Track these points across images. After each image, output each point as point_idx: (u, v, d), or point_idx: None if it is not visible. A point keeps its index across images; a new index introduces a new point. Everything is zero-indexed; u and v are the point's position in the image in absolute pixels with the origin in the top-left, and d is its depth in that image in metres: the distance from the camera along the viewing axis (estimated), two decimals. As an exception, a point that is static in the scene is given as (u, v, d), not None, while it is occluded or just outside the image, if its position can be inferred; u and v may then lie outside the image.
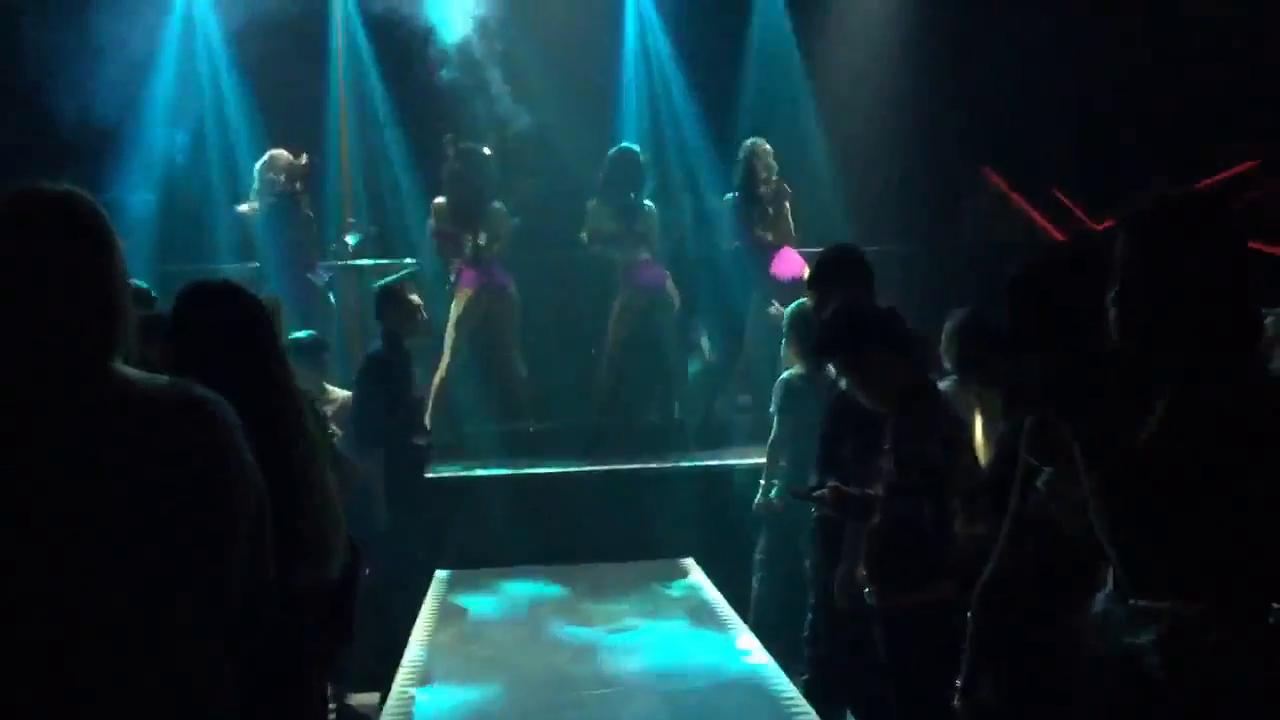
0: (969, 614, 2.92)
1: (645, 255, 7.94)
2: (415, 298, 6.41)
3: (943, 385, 4.64)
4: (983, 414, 4.54)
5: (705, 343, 8.45)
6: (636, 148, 8.19)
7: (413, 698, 4.25)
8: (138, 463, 1.68)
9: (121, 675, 1.67)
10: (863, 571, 3.84)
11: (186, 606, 1.71)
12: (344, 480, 5.15)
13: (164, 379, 1.79)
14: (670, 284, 8.02)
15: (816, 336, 4.02)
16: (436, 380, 7.68)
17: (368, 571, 5.93)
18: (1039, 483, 2.47)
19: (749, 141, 8.15)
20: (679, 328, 8.13)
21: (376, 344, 6.28)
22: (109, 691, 1.66)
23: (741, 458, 7.03)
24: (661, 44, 9.52)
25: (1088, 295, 2.30)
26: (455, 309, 7.77)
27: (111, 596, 1.66)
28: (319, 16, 9.16)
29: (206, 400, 1.78)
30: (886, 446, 3.75)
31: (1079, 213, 8.92)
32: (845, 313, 3.84)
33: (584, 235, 8.06)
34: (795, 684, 4.43)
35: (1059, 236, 8.92)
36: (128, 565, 1.67)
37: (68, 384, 1.71)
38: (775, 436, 5.86)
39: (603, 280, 8.18)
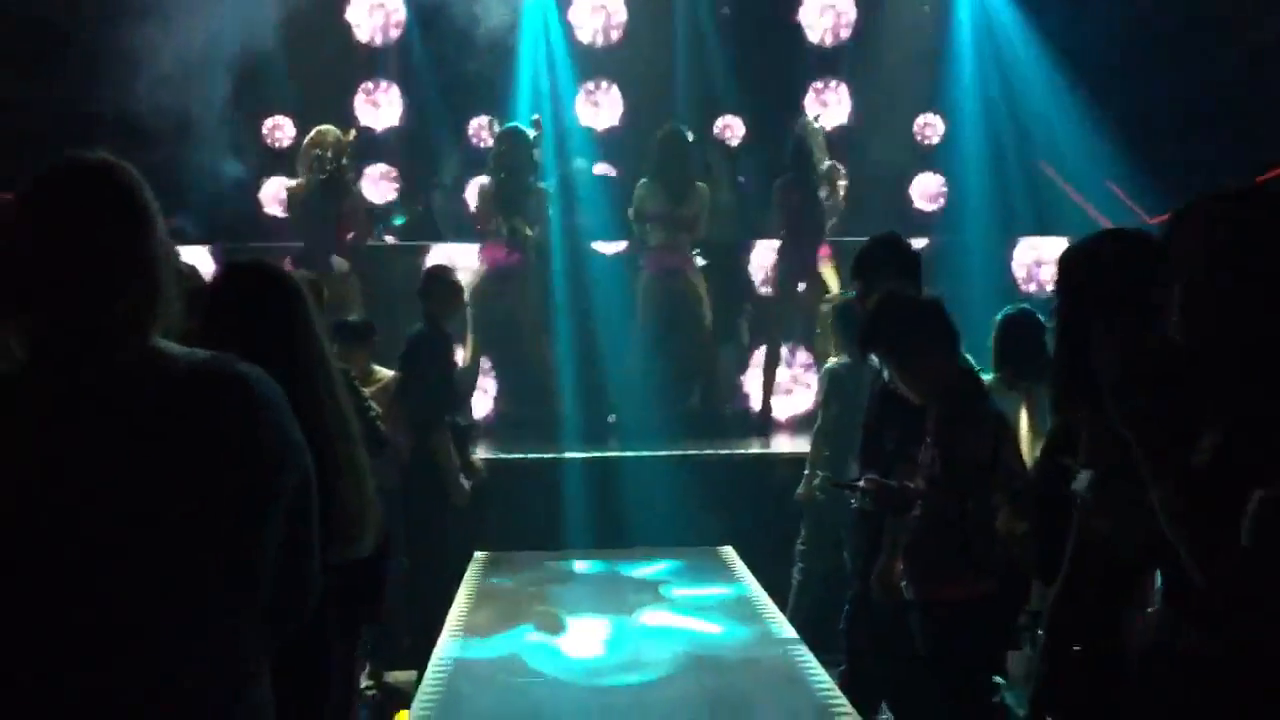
0: (1040, 631, 2.83)
1: (681, 238, 7.89)
2: (458, 280, 6.43)
3: (988, 379, 4.60)
4: (1029, 410, 4.49)
5: (745, 329, 8.38)
6: (685, 128, 8.15)
7: (447, 676, 4.26)
8: (174, 437, 1.67)
9: (157, 650, 1.66)
10: (901, 564, 3.81)
11: (220, 582, 1.70)
12: (385, 463, 5.20)
13: (203, 353, 1.77)
14: (693, 269, 7.96)
15: (860, 327, 3.98)
16: (466, 361, 7.70)
17: (405, 560, 6.07)
18: (1076, 486, 2.39)
19: (801, 119, 8.07)
20: (712, 313, 8.06)
21: (419, 325, 6.29)
22: (144, 667, 1.65)
23: (783, 447, 6.99)
24: (710, 27, 9.47)
25: (1137, 284, 2.23)
26: (478, 291, 7.77)
27: (148, 571, 1.66)
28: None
29: (245, 375, 1.76)
30: (928, 439, 3.71)
31: (1133, 206, 8.78)
32: (889, 303, 3.79)
33: (630, 214, 8.04)
34: (832, 675, 4.40)
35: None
36: (163, 539, 1.66)
37: (104, 356, 1.69)
38: (819, 426, 5.82)
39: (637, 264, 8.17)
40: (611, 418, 8.06)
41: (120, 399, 1.68)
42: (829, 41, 9.57)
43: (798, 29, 9.52)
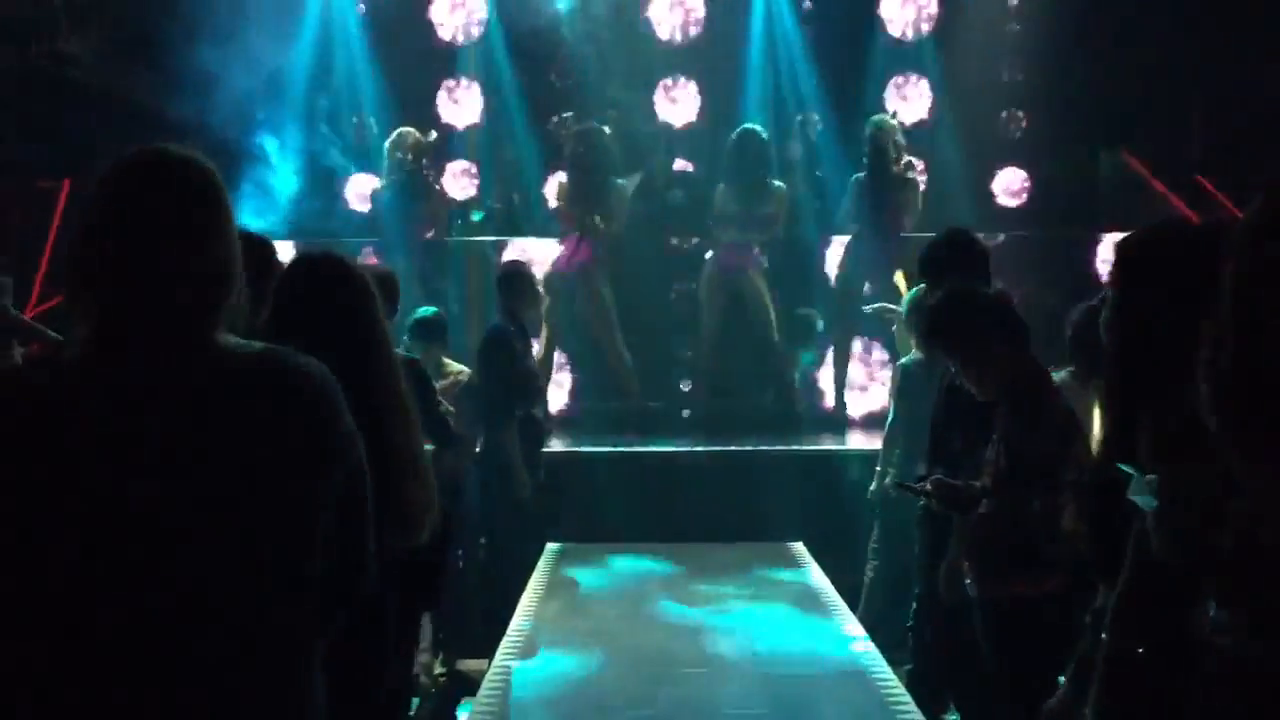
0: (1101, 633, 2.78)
1: (756, 236, 7.89)
2: (533, 275, 6.52)
3: (1061, 376, 4.53)
4: (1101, 409, 4.41)
5: (820, 326, 8.34)
6: (759, 127, 8.13)
7: (514, 667, 4.32)
8: (228, 426, 1.71)
9: (214, 635, 1.70)
10: (966, 561, 3.78)
11: (274, 569, 1.73)
12: (454, 455, 5.28)
13: (259, 346, 1.80)
14: (756, 269, 7.95)
15: (924, 322, 3.95)
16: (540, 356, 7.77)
17: (483, 541, 6.15)
18: (1133, 495, 2.32)
19: (876, 118, 7.98)
20: (782, 311, 8.05)
21: (499, 320, 6.37)
22: (202, 651, 1.69)
23: (857, 444, 6.96)
24: (789, 23, 9.43)
25: (1193, 276, 2.16)
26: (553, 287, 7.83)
27: (203, 562, 1.69)
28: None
29: (300, 368, 1.79)
30: (996, 436, 3.67)
31: (1225, 201, 8.56)
32: (954, 297, 3.76)
33: (711, 220, 8.07)
34: (899, 674, 4.38)
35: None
36: (220, 531, 1.70)
37: (163, 345, 1.73)
38: (890, 423, 5.79)
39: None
40: (686, 413, 8.09)
41: (176, 388, 1.72)
42: (909, 35, 9.47)
43: (878, 22, 9.43)
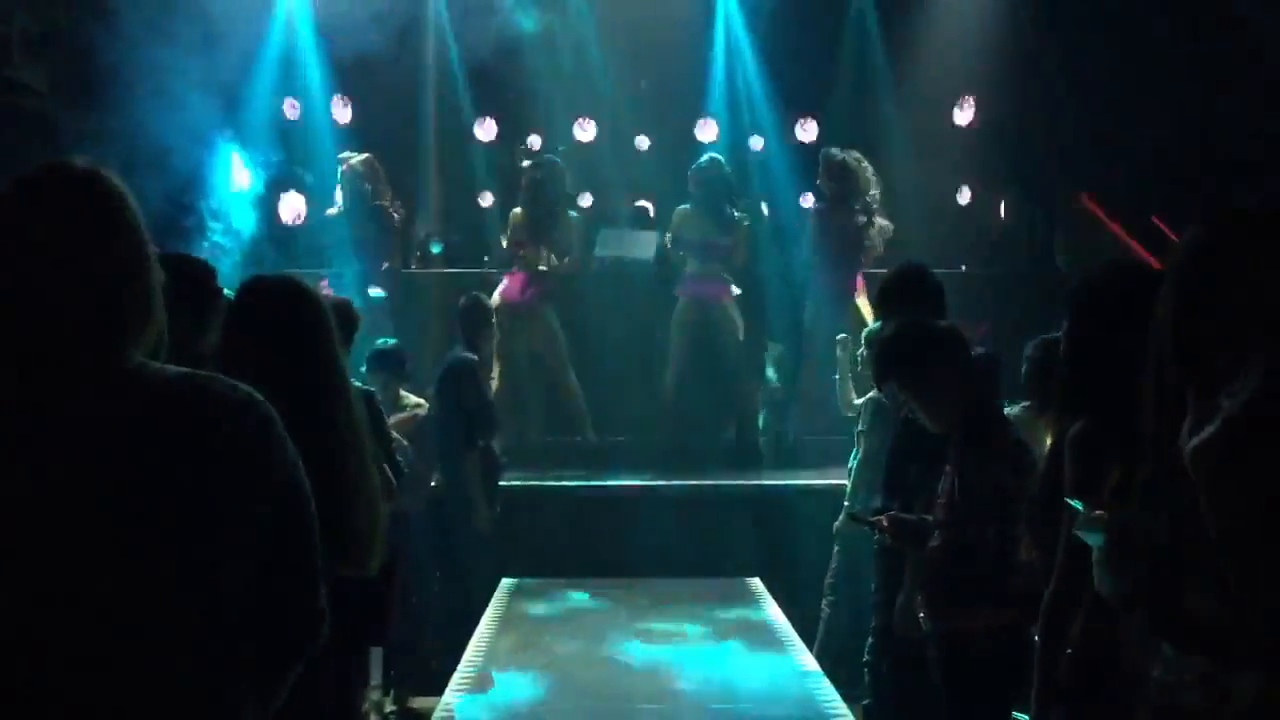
0: (1035, 640, 2.83)
1: (717, 267, 7.89)
2: (490, 307, 6.49)
3: (1015, 410, 4.54)
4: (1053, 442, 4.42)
5: (770, 361, 8.33)
6: (721, 157, 8.16)
7: (465, 703, 4.25)
8: (137, 458, 1.60)
9: (124, 669, 1.59)
10: (920, 595, 3.75)
11: (188, 604, 1.62)
12: (402, 487, 5.21)
13: (178, 371, 1.69)
14: (730, 299, 7.94)
15: (875, 355, 3.95)
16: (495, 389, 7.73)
17: (438, 575, 6.07)
18: (1078, 530, 2.34)
19: (849, 155, 8.00)
20: (747, 345, 8.03)
21: (462, 352, 6.32)
22: (114, 685, 1.59)
23: (811, 479, 6.94)
24: (747, 53, 9.52)
25: (1141, 315, 2.20)
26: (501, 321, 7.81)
27: (107, 604, 1.58)
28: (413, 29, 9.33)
29: (220, 393, 1.68)
30: (948, 469, 3.67)
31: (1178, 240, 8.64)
32: (905, 331, 3.76)
33: (667, 239, 8.05)
34: (856, 709, 4.34)
35: (1157, 266, 8.66)
36: (127, 570, 1.59)
37: (63, 370, 1.63)
38: (860, 457, 5.75)
39: (669, 292, 8.17)
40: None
41: (79, 415, 1.62)
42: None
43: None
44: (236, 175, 8.34)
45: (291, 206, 8.81)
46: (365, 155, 8.07)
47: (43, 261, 1.64)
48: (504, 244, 8.21)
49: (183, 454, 1.62)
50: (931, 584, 3.67)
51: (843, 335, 6.35)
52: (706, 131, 9.48)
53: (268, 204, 8.64)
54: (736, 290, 7.98)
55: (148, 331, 1.70)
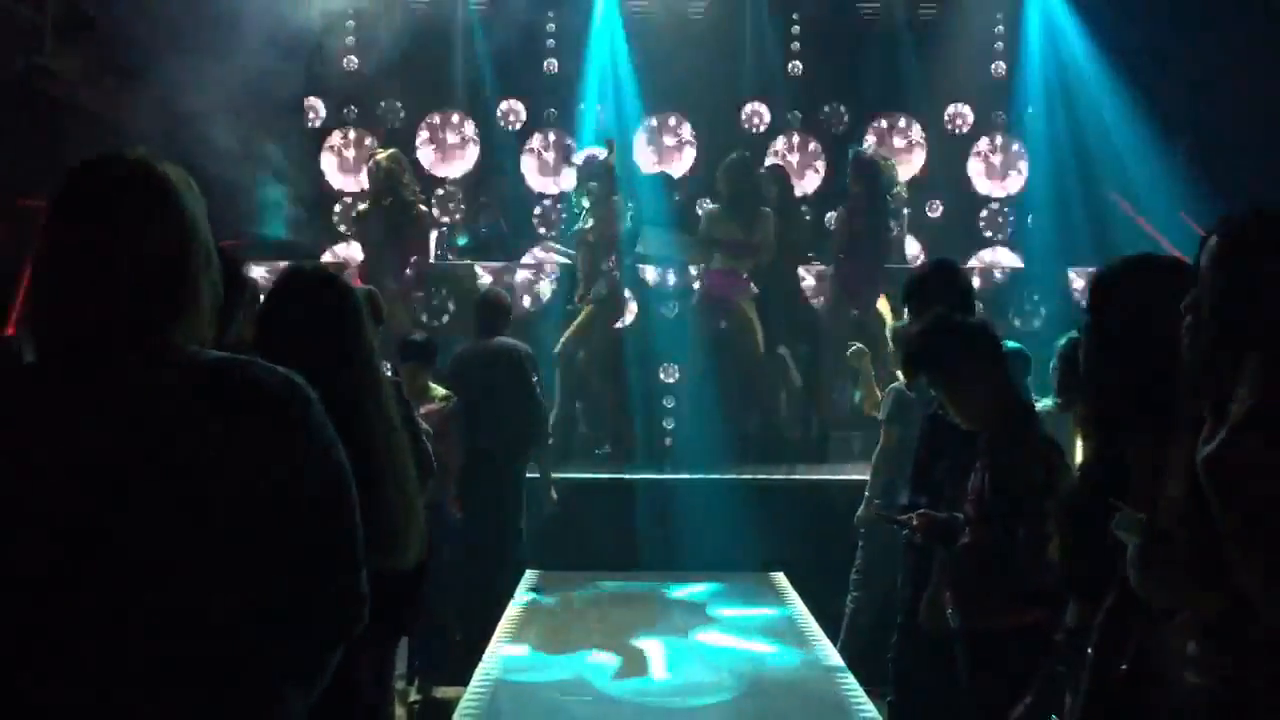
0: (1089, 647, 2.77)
1: (746, 263, 7.87)
2: (509, 301, 6.54)
3: (1045, 404, 4.52)
4: (1084, 439, 4.40)
5: (786, 354, 8.32)
6: (748, 155, 8.16)
7: (488, 694, 4.26)
8: (183, 443, 1.62)
9: (167, 656, 1.61)
10: (948, 592, 3.73)
11: (232, 596, 1.64)
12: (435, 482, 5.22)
13: (218, 356, 1.71)
14: (746, 296, 7.92)
15: (905, 350, 3.93)
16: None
17: (496, 569, 6.09)
18: (1118, 529, 2.32)
19: (877, 154, 8.01)
20: (767, 340, 8.02)
21: (510, 341, 6.39)
22: (157, 670, 1.60)
23: (838, 473, 6.92)
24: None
25: (1160, 311, 2.19)
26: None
27: (157, 579, 1.60)
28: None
29: (260, 376, 1.70)
30: (979, 465, 3.64)
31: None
32: (936, 327, 3.73)
33: (698, 237, 8.05)
34: (879, 705, 4.33)
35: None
36: (171, 551, 1.61)
37: (112, 355, 1.65)
38: (881, 447, 5.75)
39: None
40: (667, 440, 8.04)
41: (125, 399, 1.63)
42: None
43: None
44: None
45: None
46: (392, 150, 8.12)
47: (93, 247, 1.66)
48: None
49: (226, 435, 1.64)
50: (960, 581, 3.64)
51: (856, 346, 6.37)
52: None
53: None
54: (755, 289, 7.98)
55: (196, 318, 1.71)
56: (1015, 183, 9.67)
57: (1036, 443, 3.58)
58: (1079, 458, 4.34)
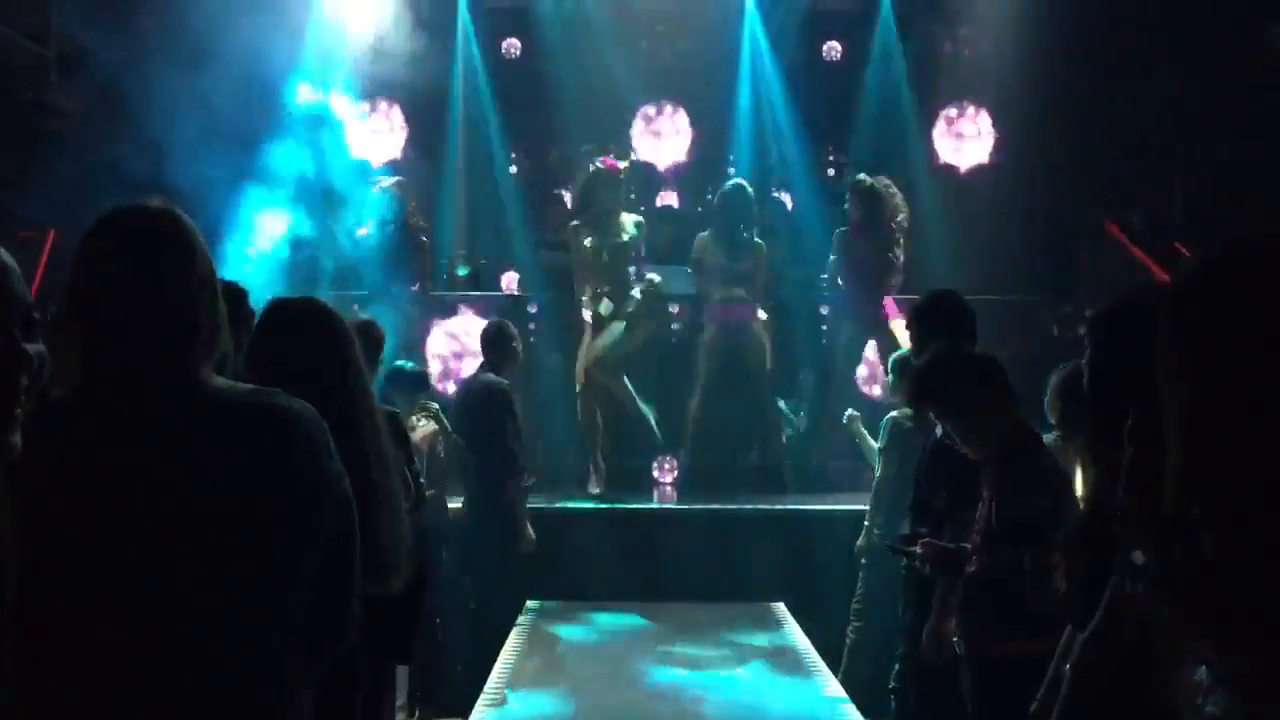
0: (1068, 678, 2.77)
1: (741, 292, 7.89)
2: (515, 332, 6.52)
3: (1048, 438, 4.52)
4: (1084, 467, 4.41)
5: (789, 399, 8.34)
6: (745, 183, 8.20)
7: (490, 725, 4.26)
8: (219, 470, 1.73)
9: (193, 677, 1.71)
10: (953, 621, 3.73)
11: (258, 612, 1.75)
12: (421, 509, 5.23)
13: (247, 387, 1.84)
14: (759, 323, 7.93)
15: (912, 381, 3.94)
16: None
17: (473, 605, 6.07)
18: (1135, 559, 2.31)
19: (878, 181, 8.02)
20: (774, 369, 8.03)
21: (490, 375, 6.35)
22: (182, 694, 1.70)
23: (836, 504, 6.93)
24: (774, 79, 9.58)
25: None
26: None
27: (186, 599, 1.70)
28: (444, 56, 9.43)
29: (289, 408, 1.82)
30: (985, 495, 3.65)
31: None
32: (942, 358, 3.76)
33: (689, 267, 8.08)
34: (881, 736, 4.32)
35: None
36: (203, 569, 1.71)
37: (144, 390, 1.77)
38: (880, 476, 5.75)
39: (696, 315, 8.21)
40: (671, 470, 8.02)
41: (164, 425, 1.75)
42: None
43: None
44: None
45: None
46: (398, 178, 8.17)
47: (129, 291, 1.79)
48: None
49: (255, 462, 1.76)
50: (966, 611, 3.65)
51: (849, 413, 6.47)
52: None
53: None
54: (763, 315, 8.00)
55: (214, 352, 1.84)
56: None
57: (1043, 472, 3.60)
58: (1080, 488, 4.37)
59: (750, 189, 8.14)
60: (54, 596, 1.68)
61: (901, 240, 7.88)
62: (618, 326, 7.61)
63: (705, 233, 8.06)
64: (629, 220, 7.77)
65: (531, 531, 6.23)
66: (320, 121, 8.63)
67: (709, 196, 9.06)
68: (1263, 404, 1.71)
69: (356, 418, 2.63)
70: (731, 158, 9.71)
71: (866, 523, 5.82)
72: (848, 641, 5.83)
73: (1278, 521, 1.70)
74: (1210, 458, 1.76)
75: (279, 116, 8.61)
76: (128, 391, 1.76)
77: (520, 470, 6.19)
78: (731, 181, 8.23)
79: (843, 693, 4.69)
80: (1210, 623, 1.91)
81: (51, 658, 1.68)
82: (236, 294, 3.43)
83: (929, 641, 4.04)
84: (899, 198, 7.92)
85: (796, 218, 9.49)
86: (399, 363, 6.27)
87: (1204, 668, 2.08)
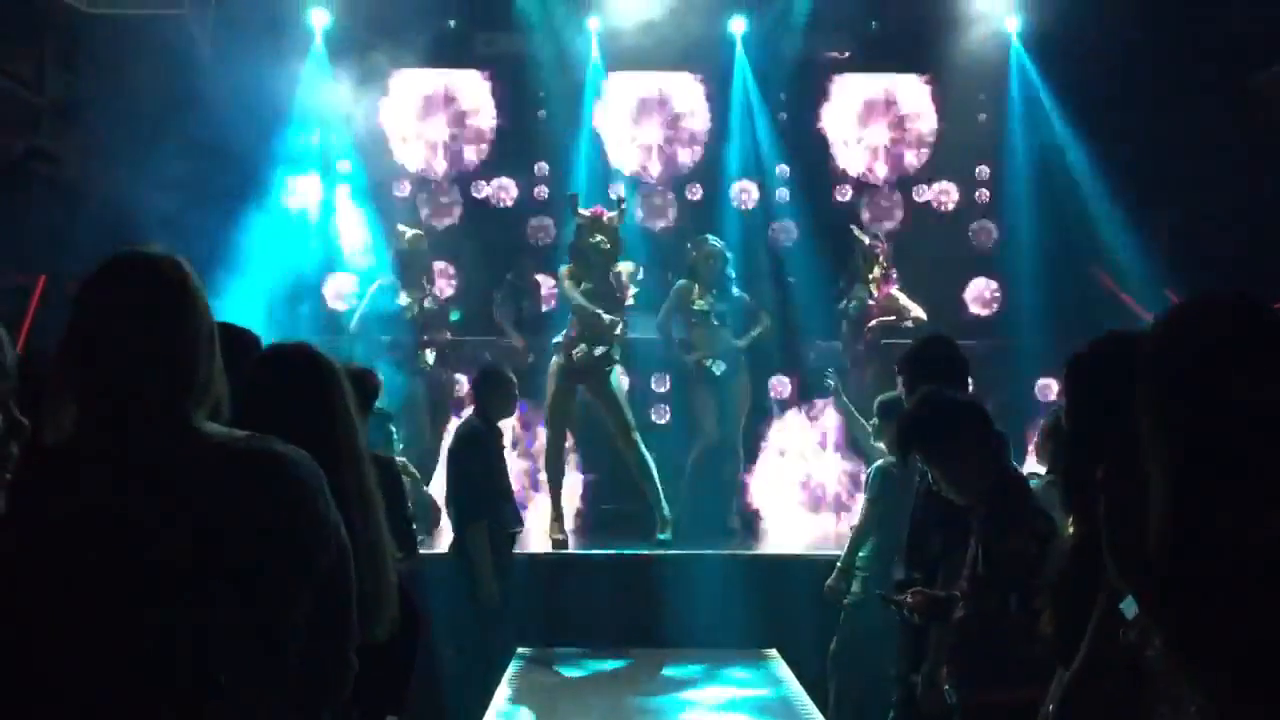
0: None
1: (727, 338, 7.99)
2: (512, 378, 6.47)
3: (1035, 484, 4.53)
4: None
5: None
6: (723, 245, 8.29)
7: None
8: (213, 518, 1.74)
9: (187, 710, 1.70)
10: (946, 668, 3.72)
11: (251, 658, 1.75)
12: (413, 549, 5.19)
13: (242, 434, 1.85)
14: (742, 370, 8.06)
15: (899, 426, 3.95)
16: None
17: (454, 649, 6.01)
18: (1125, 610, 2.31)
19: (866, 233, 8.20)
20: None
21: (471, 419, 6.33)
22: None
23: (832, 549, 6.90)
24: (764, 130, 9.67)
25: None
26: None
27: (185, 644, 1.71)
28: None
29: (285, 455, 1.84)
30: (973, 540, 3.65)
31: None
32: (929, 402, 3.76)
33: (660, 316, 8.19)
34: (874, 785, 4.28)
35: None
36: (203, 614, 1.71)
37: (140, 436, 1.78)
38: (860, 523, 5.75)
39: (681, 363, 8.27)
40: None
41: (160, 471, 1.76)
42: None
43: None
44: None
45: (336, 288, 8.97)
46: (418, 230, 8.35)
47: (127, 335, 1.81)
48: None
49: (253, 508, 1.77)
50: (957, 657, 3.63)
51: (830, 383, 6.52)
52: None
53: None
54: (744, 361, 8.07)
55: (210, 399, 1.86)
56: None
57: (1028, 517, 3.60)
58: (1070, 532, 4.37)
59: (726, 251, 8.22)
60: (42, 645, 1.69)
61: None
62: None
63: (683, 281, 8.21)
64: (623, 268, 7.82)
65: (493, 583, 5.87)
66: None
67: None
68: (1245, 461, 1.73)
69: (344, 467, 2.62)
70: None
71: (839, 565, 5.78)
72: (830, 687, 5.77)
73: (1270, 577, 1.71)
74: (1196, 515, 1.78)
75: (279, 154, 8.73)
76: (122, 438, 1.77)
77: (479, 515, 5.94)
78: (704, 238, 8.33)
79: (835, 741, 4.66)
80: (1203, 672, 1.92)
81: (43, 706, 1.68)
82: (248, 342, 3.42)
83: (926, 689, 4.01)
84: (881, 253, 8.13)
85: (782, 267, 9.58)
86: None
87: (1194, 711, 2.09)
